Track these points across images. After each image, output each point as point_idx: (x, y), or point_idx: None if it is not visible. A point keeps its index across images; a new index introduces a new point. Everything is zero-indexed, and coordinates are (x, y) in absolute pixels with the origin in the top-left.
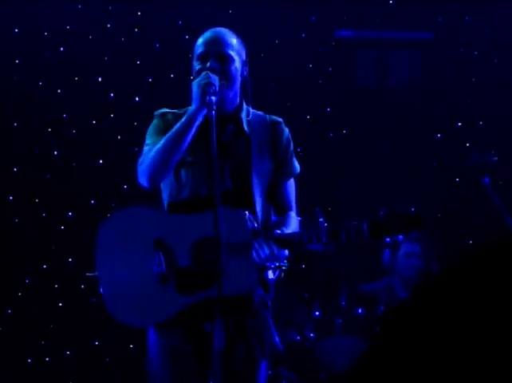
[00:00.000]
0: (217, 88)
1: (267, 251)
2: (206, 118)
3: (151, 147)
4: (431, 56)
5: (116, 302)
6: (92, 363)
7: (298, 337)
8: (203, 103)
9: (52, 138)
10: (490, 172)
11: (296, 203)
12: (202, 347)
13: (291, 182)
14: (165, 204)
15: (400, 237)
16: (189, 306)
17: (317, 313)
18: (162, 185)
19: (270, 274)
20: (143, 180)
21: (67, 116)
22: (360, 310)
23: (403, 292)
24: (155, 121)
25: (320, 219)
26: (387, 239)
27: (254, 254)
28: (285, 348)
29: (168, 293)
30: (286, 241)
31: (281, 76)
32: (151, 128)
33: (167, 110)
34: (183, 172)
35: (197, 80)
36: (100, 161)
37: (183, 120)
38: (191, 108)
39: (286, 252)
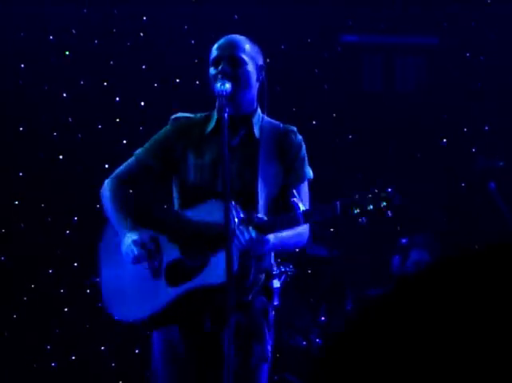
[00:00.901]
0: (228, 93)
1: (247, 237)
2: (218, 121)
3: (137, 157)
4: (436, 61)
5: (113, 300)
6: (97, 368)
7: (304, 342)
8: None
9: (57, 142)
10: (496, 177)
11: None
12: (201, 346)
13: (302, 189)
14: (174, 202)
15: (376, 214)
16: (180, 296)
17: (323, 318)
18: (172, 184)
19: (276, 283)
20: (101, 190)
21: (72, 121)
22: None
23: None
24: (165, 128)
25: (296, 206)
26: (363, 219)
27: (236, 241)
28: (291, 353)
29: (160, 285)
30: (265, 226)
31: (286, 81)
32: (156, 135)
33: (182, 115)
34: (190, 174)
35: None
36: (106, 165)
37: (116, 227)
38: (123, 234)
39: (269, 237)
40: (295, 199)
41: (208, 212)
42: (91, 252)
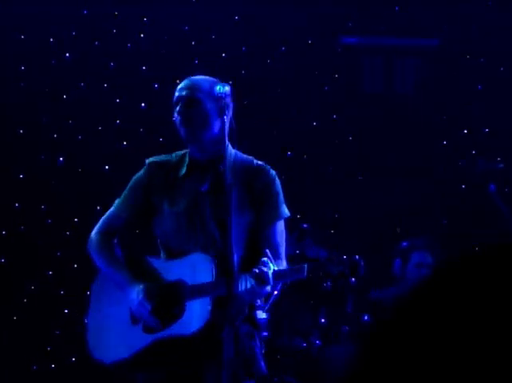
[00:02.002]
0: (228, 95)
1: (248, 286)
2: (189, 167)
3: (117, 209)
4: (437, 62)
5: (95, 341)
6: (97, 370)
7: (304, 344)
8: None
9: (58, 144)
10: (496, 179)
11: (285, 250)
12: None
13: (277, 228)
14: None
15: (340, 282)
16: (154, 342)
17: (323, 320)
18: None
19: (260, 314)
20: (88, 247)
21: (73, 122)
22: (366, 318)
23: None
24: (140, 173)
25: (265, 259)
26: (328, 283)
27: (239, 287)
28: (291, 354)
29: (136, 332)
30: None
31: (286, 82)
32: (132, 182)
33: (157, 159)
34: (166, 222)
35: None
36: (106, 167)
37: (116, 281)
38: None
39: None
40: (265, 258)
41: (190, 265)
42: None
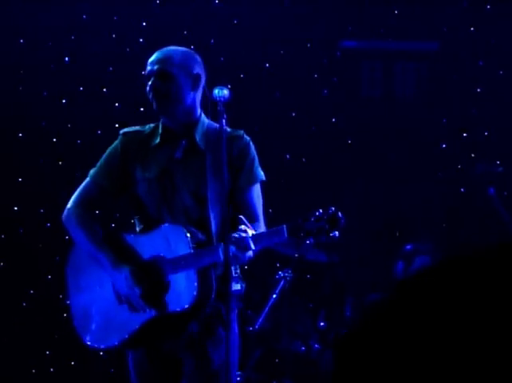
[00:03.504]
0: (226, 100)
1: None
2: (162, 136)
3: (93, 179)
4: (436, 66)
5: (84, 327)
6: (96, 373)
7: (303, 348)
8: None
9: (56, 148)
10: (496, 183)
11: (263, 211)
12: (163, 363)
13: (254, 191)
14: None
15: (323, 238)
16: (145, 323)
17: (322, 323)
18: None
19: (233, 287)
20: (64, 219)
21: (71, 127)
22: None
23: None
24: (114, 144)
25: (243, 227)
26: (310, 240)
27: (220, 256)
28: (290, 358)
29: (125, 312)
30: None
31: (286, 86)
32: (106, 152)
33: (131, 129)
34: (139, 189)
35: None
36: None
37: (97, 260)
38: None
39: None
40: (243, 225)
41: (163, 238)
42: None
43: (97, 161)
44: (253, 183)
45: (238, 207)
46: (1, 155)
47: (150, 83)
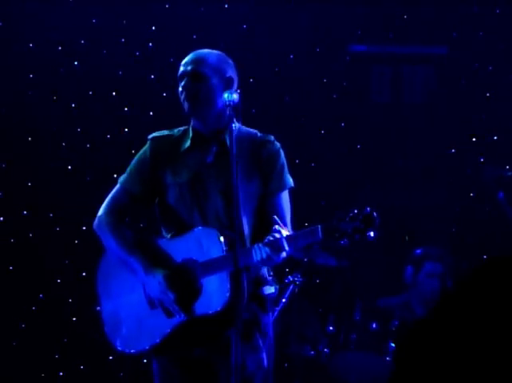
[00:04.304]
0: (235, 104)
1: (264, 255)
2: (192, 140)
3: (123, 185)
4: (445, 70)
5: (115, 332)
6: (105, 377)
7: (312, 352)
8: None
9: (66, 152)
10: (505, 187)
11: (291, 218)
12: (192, 370)
13: (283, 197)
14: (159, 223)
15: (358, 238)
16: (177, 327)
17: (332, 328)
18: (155, 205)
19: (268, 289)
20: (95, 227)
21: (81, 131)
22: (374, 325)
23: (421, 310)
24: (143, 149)
25: (279, 232)
26: (344, 241)
27: (254, 258)
28: (299, 362)
29: (157, 316)
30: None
31: (295, 90)
32: (136, 158)
33: (159, 134)
34: (169, 194)
35: None
36: (115, 175)
37: (129, 265)
38: (140, 275)
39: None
40: (277, 225)
41: (196, 241)
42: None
43: (107, 165)
44: (282, 189)
45: (266, 213)
46: (10, 160)
47: (183, 83)
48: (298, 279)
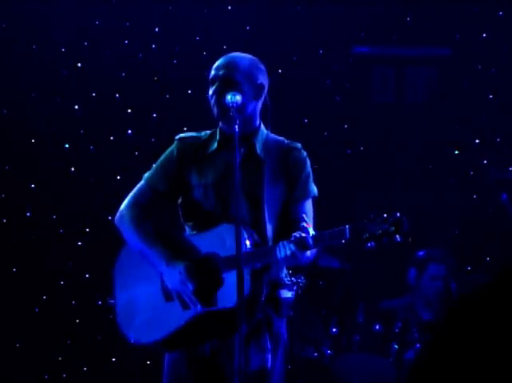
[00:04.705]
0: (239, 105)
1: (288, 253)
2: (220, 143)
3: (148, 182)
4: (448, 72)
5: (127, 323)
6: (109, 379)
7: (315, 354)
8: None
9: (69, 154)
10: (508, 189)
11: (314, 226)
12: (202, 369)
13: (306, 205)
14: (181, 221)
15: (385, 239)
16: (191, 320)
17: (335, 329)
18: (178, 204)
19: (285, 293)
20: (116, 220)
21: (84, 132)
22: (377, 327)
23: (425, 312)
24: (170, 148)
25: (306, 230)
26: (372, 243)
27: (278, 255)
28: (302, 364)
29: (172, 309)
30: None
31: (298, 92)
32: (162, 157)
33: (187, 135)
34: (194, 194)
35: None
36: (118, 177)
37: (150, 257)
38: (160, 267)
39: (307, 253)
40: (304, 223)
41: (219, 237)
42: (103, 264)
43: (110, 167)
44: (306, 197)
45: (289, 220)
46: (13, 161)
47: (214, 88)
48: (301, 281)
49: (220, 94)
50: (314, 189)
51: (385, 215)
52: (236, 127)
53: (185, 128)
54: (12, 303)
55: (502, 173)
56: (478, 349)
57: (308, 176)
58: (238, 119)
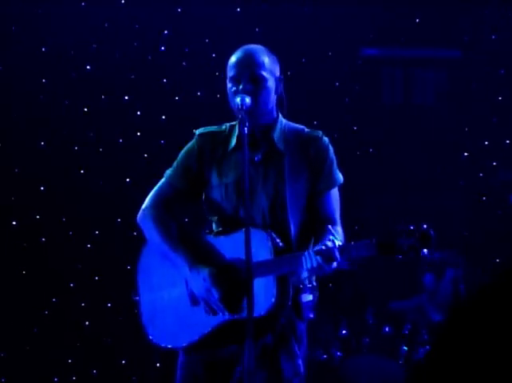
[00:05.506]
0: (248, 107)
1: (315, 264)
2: (238, 140)
3: (168, 180)
4: (457, 74)
5: (152, 324)
6: (118, 382)
7: (325, 356)
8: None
9: (78, 156)
10: None
11: (340, 214)
12: (218, 373)
13: (332, 194)
14: (206, 216)
15: (412, 254)
16: (217, 326)
17: (344, 331)
18: (202, 200)
19: (306, 297)
20: (139, 219)
21: (93, 135)
22: (387, 329)
23: (436, 314)
24: (191, 144)
25: (331, 237)
26: (398, 257)
27: (304, 266)
28: (311, 366)
29: (198, 314)
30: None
31: (307, 94)
32: (182, 153)
33: (207, 130)
34: (215, 193)
35: None
36: (127, 179)
37: (173, 260)
38: (184, 271)
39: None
40: (330, 236)
41: (243, 242)
42: (112, 266)
43: (119, 169)
44: (332, 186)
45: (315, 211)
46: (22, 164)
47: (241, 87)
48: (311, 283)
49: (246, 92)
50: (340, 177)
51: (411, 228)
52: (246, 129)
53: (193, 130)
54: (22, 305)
55: (511, 175)
56: (480, 350)
57: (331, 164)
58: (248, 121)
